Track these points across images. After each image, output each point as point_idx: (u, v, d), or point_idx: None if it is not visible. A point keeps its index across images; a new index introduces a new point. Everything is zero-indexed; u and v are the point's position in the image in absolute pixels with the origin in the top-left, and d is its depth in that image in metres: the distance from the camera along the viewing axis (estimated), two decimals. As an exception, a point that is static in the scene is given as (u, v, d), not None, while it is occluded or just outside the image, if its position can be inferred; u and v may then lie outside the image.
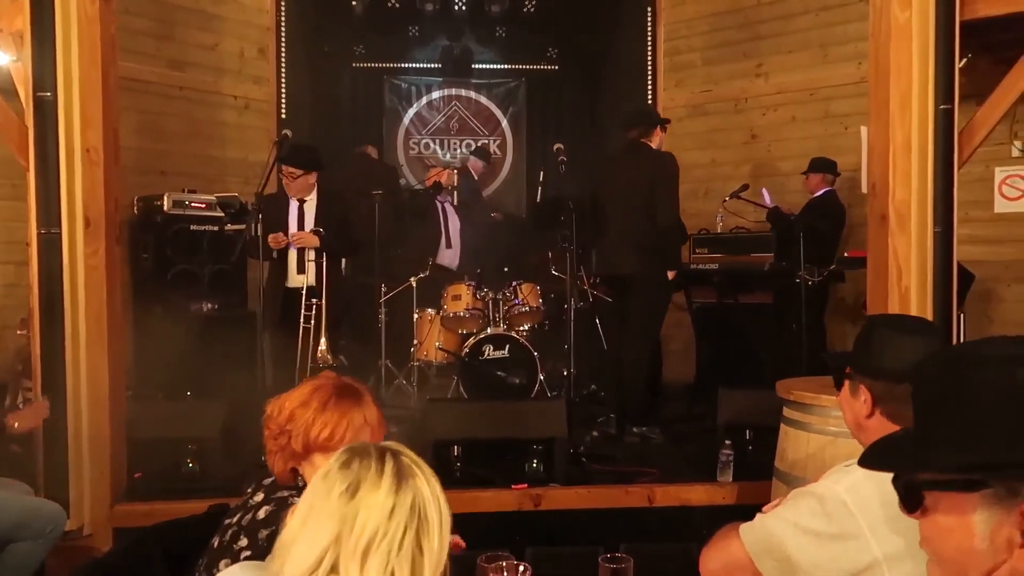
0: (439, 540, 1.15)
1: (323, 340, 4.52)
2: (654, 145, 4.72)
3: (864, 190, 3.79)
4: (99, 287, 3.48)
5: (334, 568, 1.09)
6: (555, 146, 4.87)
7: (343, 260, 5.15)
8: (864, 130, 3.80)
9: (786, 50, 6.42)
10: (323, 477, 1.19)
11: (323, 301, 4.52)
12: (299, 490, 1.80)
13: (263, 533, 1.73)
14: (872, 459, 1.02)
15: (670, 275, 4.71)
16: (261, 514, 1.79)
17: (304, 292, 4.54)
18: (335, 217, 4.73)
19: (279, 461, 1.82)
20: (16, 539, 2.91)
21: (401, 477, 1.17)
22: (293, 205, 4.72)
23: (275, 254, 4.64)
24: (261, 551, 1.68)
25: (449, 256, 6.27)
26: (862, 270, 3.98)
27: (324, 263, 4.55)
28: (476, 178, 6.99)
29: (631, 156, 4.71)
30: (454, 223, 6.33)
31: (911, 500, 0.99)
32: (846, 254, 5.32)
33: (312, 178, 4.67)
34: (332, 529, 1.12)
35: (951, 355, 0.99)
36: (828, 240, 5.48)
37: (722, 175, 6.62)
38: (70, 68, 3.35)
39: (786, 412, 3.21)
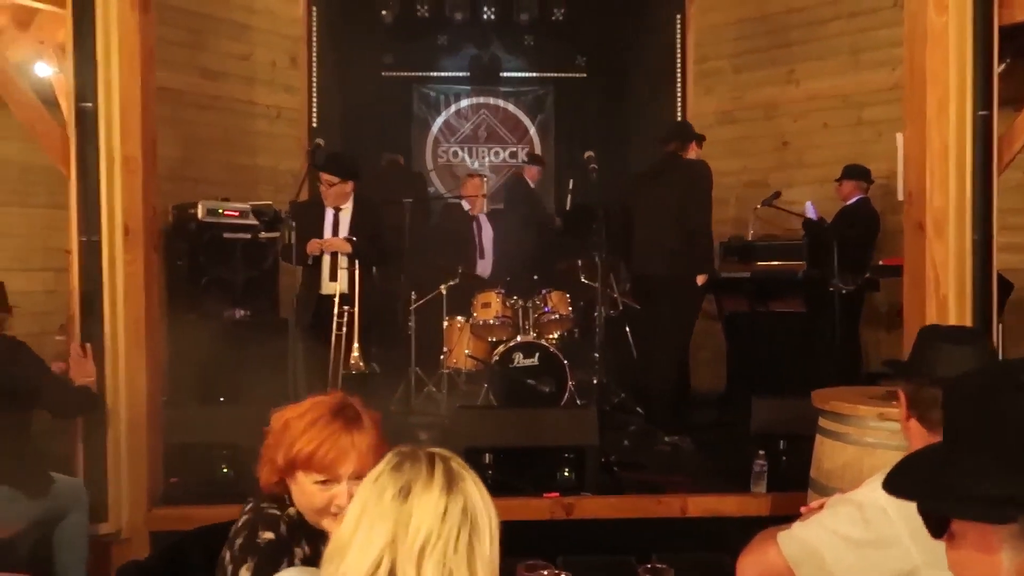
0: (490, 545, 1.15)
1: (355, 347, 4.56)
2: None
3: (900, 197, 3.76)
4: (137, 293, 3.55)
5: (392, 571, 1.10)
6: (586, 154, 4.89)
7: (374, 268, 5.19)
8: (900, 136, 3.77)
9: (817, 56, 6.37)
10: (374, 480, 1.20)
11: (355, 308, 4.55)
12: (279, 504, 1.73)
13: (237, 542, 1.67)
14: (895, 483, 0.98)
15: (700, 280, 4.74)
16: (240, 523, 1.74)
17: (337, 299, 4.58)
18: (369, 225, 4.78)
19: (266, 472, 1.74)
20: (63, 516, 3.04)
21: (452, 480, 1.17)
22: (329, 214, 4.78)
23: (310, 260, 4.70)
24: (237, 561, 1.63)
25: (482, 266, 6.30)
26: (897, 279, 3.94)
27: (356, 271, 4.60)
28: (533, 186, 6.98)
29: (665, 168, 4.84)
30: (487, 233, 6.34)
31: (936, 526, 0.96)
32: (881, 262, 5.27)
33: (349, 187, 4.73)
34: (387, 531, 1.12)
35: (987, 378, 0.95)
36: (862, 248, 5.44)
37: (752, 183, 6.58)
38: (110, 79, 3.42)
39: (822, 422, 3.19)
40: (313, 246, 4.64)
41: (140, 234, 3.52)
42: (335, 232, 4.76)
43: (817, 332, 5.26)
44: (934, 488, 0.94)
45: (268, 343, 5.24)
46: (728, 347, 5.84)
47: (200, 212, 5.49)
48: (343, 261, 4.64)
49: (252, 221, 5.58)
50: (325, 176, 4.68)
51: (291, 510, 1.73)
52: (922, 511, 0.98)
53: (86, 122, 3.42)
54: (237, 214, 5.63)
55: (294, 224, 4.35)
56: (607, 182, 5.48)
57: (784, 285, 5.48)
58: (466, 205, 6.36)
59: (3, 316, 3.33)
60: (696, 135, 5.00)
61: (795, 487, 3.40)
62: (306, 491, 1.68)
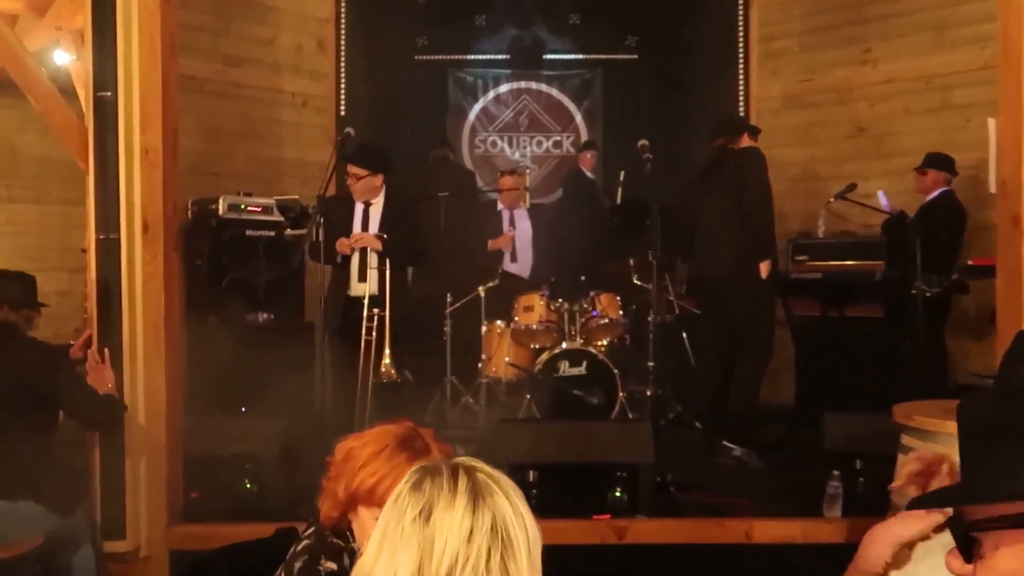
0: (528, 562, 1.13)
1: (386, 354, 4.60)
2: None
3: (992, 189, 3.69)
4: (156, 296, 3.63)
5: None
6: (639, 143, 4.88)
7: (408, 269, 5.23)
8: (992, 122, 3.69)
9: (897, 34, 6.28)
10: (394, 500, 1.19)
11: (386, 312, 4.59)
12: (342, 537, 1.76)
13: (296, 566, 1.71)
14: (922, 501, 1.01)
15: (763, 269, 4.74)
16: (299, 547, 1.77)
17: (366, 302, 4.62)
18: (401, 222, 4.82)
19: (326, 506, 1.76)
20: (77, 546, 3.11)
21: (477, 496, 1.15)
22: (359, 209, 4.83)
23: (339, 259, 4.75)
24: None
25: (515, 269, 6.33)
26: (988, 280, 3.87)
27: (387, 271, 4.63)
28: (590, 174, 6.98)
29: (716, 163, 4.91)
30: (523, 232, 6.36)
31: (965, 544, 0.97)
32: (970, 262, 5.17)
33: (378, 180, 4.77)
34: (411, 558, 1.12)
35: (1000, 389, 1.00)
36: (947, 246, 5.34)
37: (823, 174, 6.50)
38: (130, 67, 3.51)
39: (905, 440, 3.14)
40: (343, 245, 4.69)
41: (160, 231, 3.61)
42: (364, 228, 4.81)
43: (897, 339, 5.18)
44: (958, 495, 0.97)
45: (293, 349, 5.33)
46: (797, 356, 5.78)
47: (221, 208, 5.59)
48: (373, 260, 4.67)
49: (277, 217, 5.66)
50: (352, 168, 4.73)
51: (354, 545, 1.75)
52: (954, 531, 0.99)
53: (105, 112, 3.52)
54: (260, 210, 5.73)
55: (321, 220, 4.40)
56: (661, 174, 5.47)
57: (860, 287, 5.40)
58: (499, 204, 6.39)
59: (30, 314, 3.41)
60: (748, 126, 5.07)
61: (873, 512, 3.35)
62: (367, 528, 1.67)
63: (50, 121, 3.70)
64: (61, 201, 5.51)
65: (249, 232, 5.67)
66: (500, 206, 6.37)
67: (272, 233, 5.70)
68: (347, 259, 4.78)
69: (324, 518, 1.76)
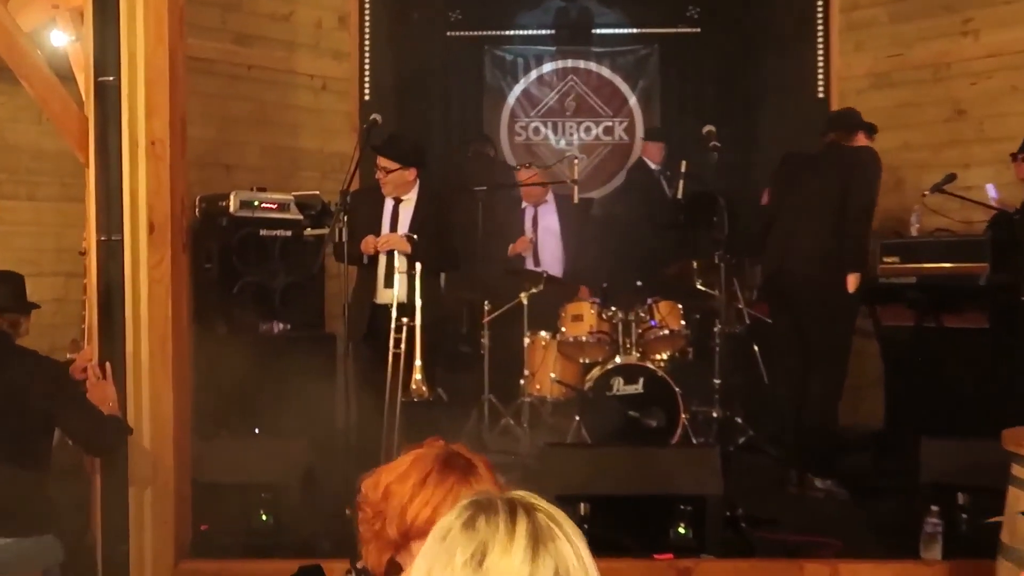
0: None
1: (417, 368, 4.60)
2: None
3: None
4: (163, 303, 3.68)
5: None
6: (704, 129, 4.86)
7: (441, 273, 5.25)
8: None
9: (1003, 0, 6.17)
10: (442, 538, 1.19)
11: (416, 321, 4.60)
12: None
13: None
14: None
15: (852, 281, 4.72)
16: None
17: (394, 310, 4.63)
18: (435, 221, 4.83)
19: (374, 552, 1.78)
20: None
21: (538, 540, 1.15)
22: (388, 205, 4.86)
23: (366, 259, 4.78)
24: None
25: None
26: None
27: (417, 275, 4.65)
28: (654, 167, 6.95)
29: (823, 157, 4.94)
30: (548, 228, 6.34)
31: None
32: (1090, 265, 5.05)
33: (410, 175, 4.80)
34: None
35: None
36: (1063, 246, 5.24)
37: (916, 162, 6.41)
38: (135, 48, 3.57)
39: (1016, 470, 3.09)
40: (368, 244, 4.72)
41: (167, 232, 3.66)
42: (394, 227, 4.84)
43: (1004, 353, 5.08)
44: None
45: (312, 363, 5.37)
46: (886, 373, 5.70)
47: (232, 204, 5.66)
48: (402, 263, 4.70)
49: (294, 215, 5.72)
50: (382, 161, 4.76)
51: None
52: None
53: (107, 99, 3.58)
54: (276, 207, 5.79)
55: (345, 218, 4.43)
56: (729, 164, 5.44)
57: (960, 293, 5.31)
58: (523, 201, 6.37)
59: (16, 319, 3.42)
60: (865, 124, 5.04)
61: (980, 553, 3.31)
62: None
63: (46, 109, 3.77)
64: (57, 198, 5.62)
65: (263, 232, 5.74)
66: (524, 203, 6.37)
67: (289, 233, 5.76)
68: (373, 262, 4.80)
69: (375, 566, 1.78)
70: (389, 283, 4.78)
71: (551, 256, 6.31)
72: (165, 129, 3.63)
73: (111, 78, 3.58)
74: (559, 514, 1.20)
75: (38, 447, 3.23)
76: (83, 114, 3.67)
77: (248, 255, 5.69)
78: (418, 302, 4.60)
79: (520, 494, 1.24)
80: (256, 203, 5.74)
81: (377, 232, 4.81)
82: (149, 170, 3.61)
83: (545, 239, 6.30)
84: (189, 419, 3.93)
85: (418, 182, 4.89)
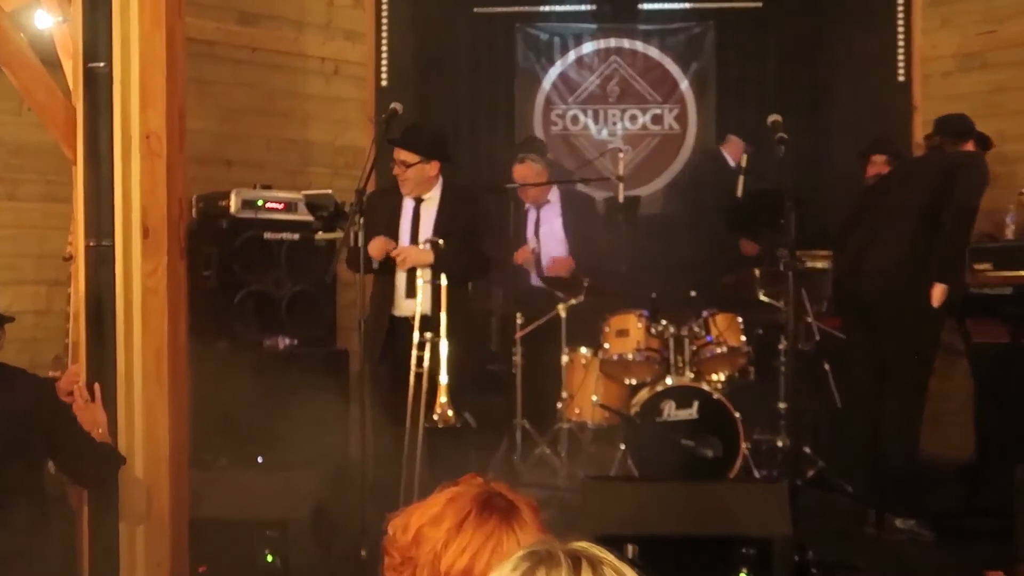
0: None
1: (442, 390, 4.60)
2: None
3: None
4: (158, 316, 3.70)
5: None
6: (769, 119, 4.82)
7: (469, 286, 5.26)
8: None
9: (1112, -32, 6.12)
10: None
11: (441, 337, 4.60)
12: None
13: None
14: None
15: (937, 294, 4.69)
16: None
17: (416, 323, 4.64)
18: (461, 223, 4.84)
19: None
20: None
21: None
22: (407, 205, 4.87)
23: (375, 265, 4.79)
24: None
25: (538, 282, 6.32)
26: None
27: (443, 284, 4.65)
28: (734, 164, 6.91)
29: (921, 161, 5.13)
30: (552, 233, 6.32)
31: None
32: None
33: (432, 169, 4.81)
34: None
35: None
36: None
37: (1011, 155, 6.36)
38: (129, 31, 3.59)
39: None
40: (377, 247, 4.71)
41: (163, 237, 3.68)
42: (415, 230, 4.85)
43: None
44: None
45: (324, 382, 5.41)
46: (977, 395, 5.65)
47: (233, 204, 5.71)
48: (424, 271, 4.72)
49: (303, 216, 5.76)
50: (400, 154, 4.77)
51: None
52: None
53: (97, 88, 3.60)
54: (283, 207, 5.83)
55: (362, 220, 4.45)
56: (797, 158, 5.42)
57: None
58: (528, 205, 6.37)
59: None
60: (977, 133, 5.08)
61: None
62: None
63: (28, 98, 3.81)
64: (40, 197, 5.67)
65: (268, 235, 5.78)
66: (526, 204, 6.36)
67: (297, 236, 5.80)
68: (390, 268, 4.82)
69: None
70: (411, 293, 4.79)
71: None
72: (162, 121, 3.66)
73: (102, 64, 3.60)
74: (627, 570, 1.22)
75: (30, 480, 3.25)
76: (70, 104, 3.70)
77: (251, 261, 5.74)
78: (443, 315, 4.60)
79: (583, 545, 1.25)
80: (260, 203, 5.78)
81: (395, 236, 4.82)
82: (144, 167, 3.64)
83: (549, 246, 6.28)
84: (187, 447, 3.95)
85: (441, 179, 4.90)
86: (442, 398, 4.52)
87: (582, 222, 6.33)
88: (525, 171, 6.28)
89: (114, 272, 3.64)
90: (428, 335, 4.59)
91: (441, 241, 4.73)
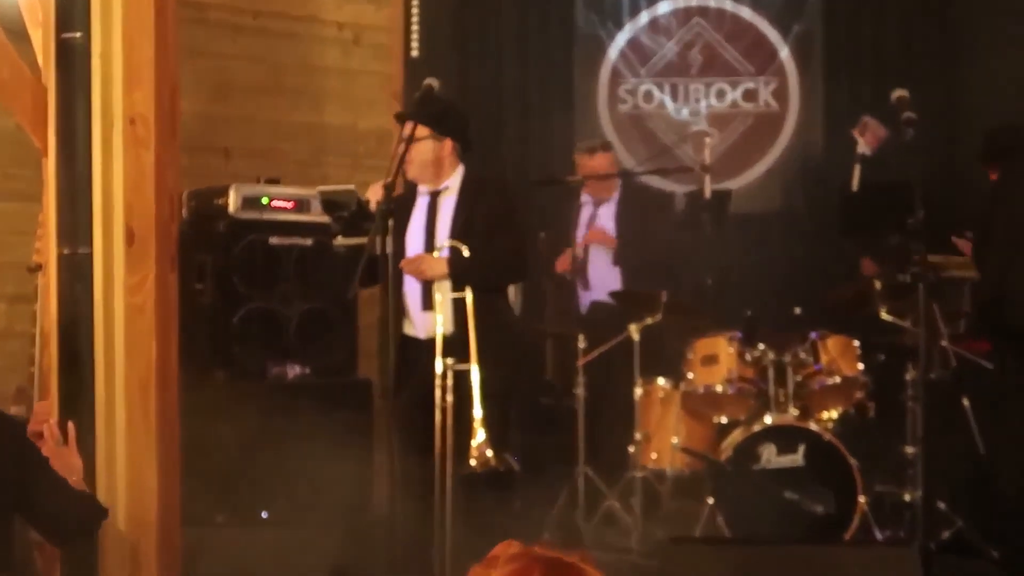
0: None
1: (476, 427, 4.58)
2: None
3: None
4: (145, 340, 3.74)
5: None
6: (895, 95, 4.78)
7: (513, 288, 5.25)
8: None
9: None
10: None
11: (472, 362, 4.56)
12: None
13: None
14: None
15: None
16: None
17: (438, 345, 4.59)
18: (485, 222, 4.80)
19: None
20: None
21: None
22: (421, 201, 4.85)
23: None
24: None
25: (586, 298, 6.35)
26: None
27: (472, 296, 4.63)
28: (870, 152, 6.83)
29: None
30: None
31: None
32: None
33: (444, 148, 4.77)
34: None
35: None
36: None
37: None
38: (110, -7, 3.65)
39: None
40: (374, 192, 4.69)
41: (151, 243, 3.72)
42: (429, 230, 4.83)
43: None
44: None
45: (343, 421, 5.42)
46: None
47: (232, 203, 5.74)
48: (443, 283, 4.71)
49: (318, 217, 5.77)
50: (405, 129, 4.69)
51: None
52: None
53: (73, 64, 3.65)
54: (293, 205, 5.86)
55: (392, 222, 4.44)
56: (929, 143, 5.37)
57: None
58: (585, 197, 6.40)
59: None
60: None
61: None
62: None
63: (-9, 78, 3.87)
64: (3, 195, 5.75)
65: (275, 240, 5.80)
66: (584, 196, 6.40)
67: (310, 242, 5.82)
68: (396, 275, 4.74)
69: None
70: (428, 303, 4.76)
71: (602, 277, 6.30)
72: (150, 103, 3.69)
73: (78, 35, 3.64)
74: None
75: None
76: (40, 83, 3.75)
77: (254, 272, 5.75)
78: (472, 334, 4.55)
79: None
80: (265, 200, 5.81)
81: (404, 238, 4.79)
82: (128, 158, 3.68)
83: (598, 254, 6.33)
84: (178, 498, 3.98)
85: (462, 168, 4.87)
86: (477, 437, 4.50)
87: (644, 225, 6.33)
88: (597, 165, 6.34)
89: (92, 286, 3.68)
90: (451, 361, 4.55)
91: (465, 249, 4.66)
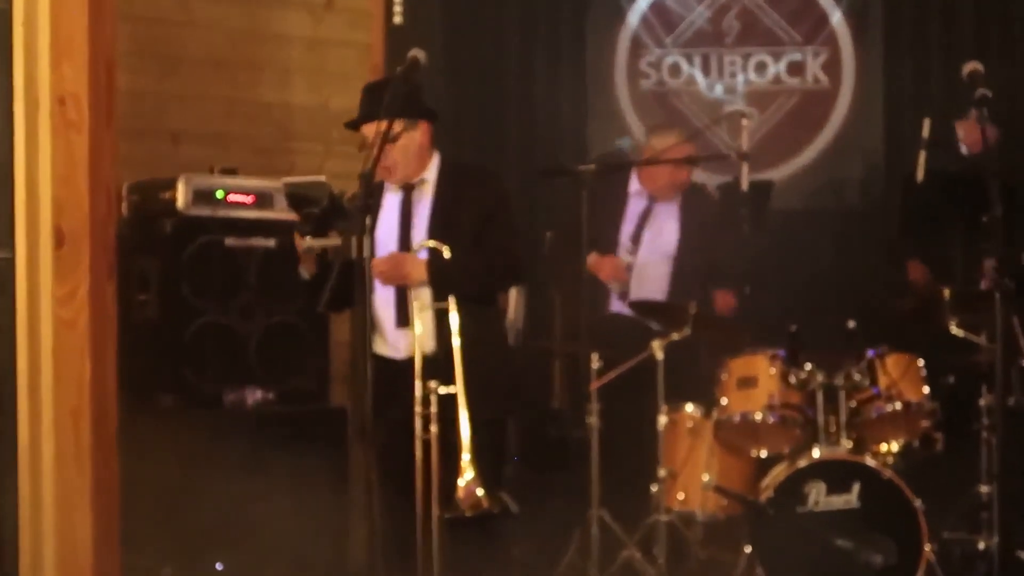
0: None
1: (465, 464, 4.58)
2: None
3: None
4: (77, 361, 3.75)
5: None
6: (966, 69, 4.80)
7: (513, 299, 5.25)
8: None
9: None
10: None
11: (458, 385, 4.57)
12: None
13: None
14: None
15: None
16: None
17: (417, 367, 4.60)
18: (470, 213, 4.79)
19: None
20: None
21: None
22: (391, 200, 4.83)
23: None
24: None
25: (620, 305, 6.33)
26: None
27: (452, 309, 4.63)
28: (969, 152, 6.78)
29: None
30: (663, 245, 6.36)
31: None
32: None
33: (422, 135, 4.76)
34: None
35: None
36: None
37: None
38: (35, -50, 3.67)
39: None
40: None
41: (86, 247, 3.72)
42: (404, 230, 4.80)
43: None
44: None
45: (312, 455, 5.42)
46: None
47: (182, 197, 5.74)
48: (420, 292, 4.70)
49: (283, 214, 5.76)
50: (371, 130, 4.69)
51: None
52: None
53: (-9, 32, 3.67)
54: (253, 200, 5.86)
55: (370, 219, 4.43)
56: (1005, 124, 5.38)
57: None
58: (635, 185, 6.41)
59: None
60: None
61: None
62: None
63: None
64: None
65: (232, 241, 5.80)
66: (635, 187, 6.41)
67: (273, 243, 5.82)
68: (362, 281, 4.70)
69: None
70: (403, 319, 4.75)
71: (651, 286, 6.30)
72: (83, 79, 3.71)
73: (0, -1, 3.68)
74: None
75: None
76: (-48, 57, 3.78)
77: (207, 280, 5.76)
78: (457, 353, 4.56)
79: None
80: (220, 194, 5.82)
81: (373, 240, 4.76)
82: (57, 145, 3.69)
83: (652, 261, 6.30)
84: (117, 548, 3.99)
85: (437, 155, 4.86)
86: (465, 474, 4.50)
87: (703, 227, 6.36)
88: (662, 143, 6.34)
89: (13, 297, 3.69)
90: (432, 383, 4.55)
91: (446, 250, 4.66)
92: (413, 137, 4.71)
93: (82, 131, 3.73)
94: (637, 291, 6.29)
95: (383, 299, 4.76)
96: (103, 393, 3.82)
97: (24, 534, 3.68)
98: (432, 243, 4.66)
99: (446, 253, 4.60)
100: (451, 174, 4.82)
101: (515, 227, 5.02)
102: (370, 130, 4.63)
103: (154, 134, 6.19)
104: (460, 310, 4.57)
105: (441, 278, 4.62)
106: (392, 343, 4.78)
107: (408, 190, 4.80)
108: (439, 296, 4.61)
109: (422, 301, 4.65)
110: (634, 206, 6.37)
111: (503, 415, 4.92)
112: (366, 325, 4.26)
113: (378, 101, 4.57)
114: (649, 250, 6.30)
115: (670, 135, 6.43)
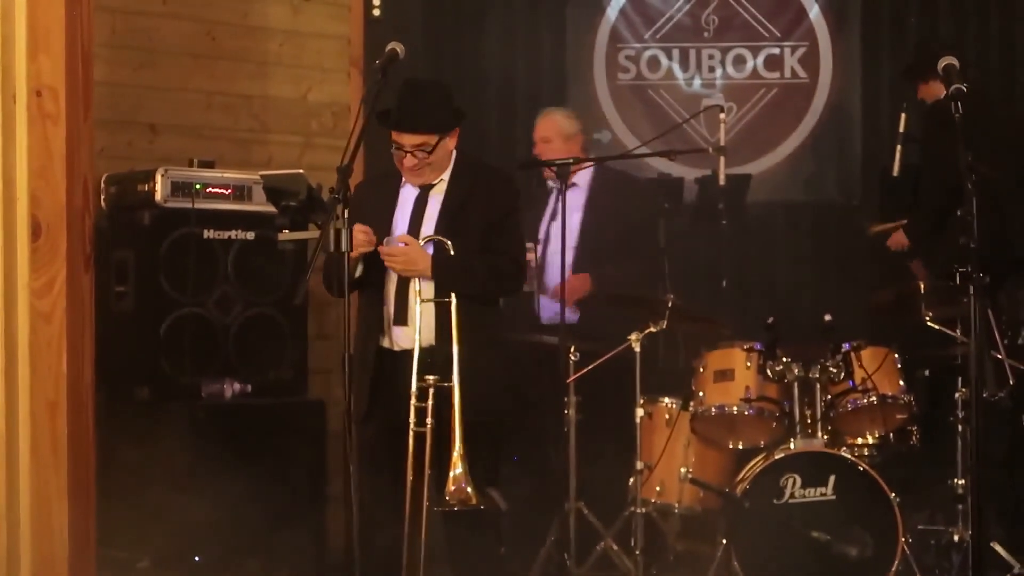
0: None
1: (456, 458, 4.59)
2: None
3: None
4: (54, 352, 3.74)
5: None
6: (941, 63, 4.80)
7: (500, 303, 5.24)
8: None
9: None
10: None
11: (454, 380, 4.57)
12: None
13: None
14: None
15: None
16: None
17: (415, 361, 4.60)
18: (483, 215, 4.79)
19: None
20: None
21: None
22: (406, 194, 4.83)
23: (358, 271, 4.70)
24: None
25: (550, 308, 6.30)
26: None
27: (455, 305, 4.63)
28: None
29: None
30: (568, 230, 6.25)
31: None
32: None
33: (451, 141, 4.78)
34: None
35: None
36: None
37: None
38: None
39: None
40: (359, 238, 4.65)
41: (61, 237, 3.71)
42: (414, 225, 4.80)
43: None
44: None
45: (289, 447, 5.40)
46: None
47: (159, 190, 5.72)
48: (419, 284, 4.68)
49: (261, 207, 5.74)
50: (409, 139, 4.70)
51: None
52: None
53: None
54: (230, 192, 5.84)
55: (347, 212, 4.42)
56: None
57: None
58: (551, 183, 6.34)
59: None
60: None
61: None
62: None
63: None
64: None
65: (210, 234, 5.79)
66: (549, 183, 6.40)
67: (251, 236, 5.81)
68: (377, 280, 4.75)
69: None
70: (402, 318, 4.73)
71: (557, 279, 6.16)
72: (60, 71, 3.69)
73: (-26, -10, 3.66)
74: None
75: None
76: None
77: (185, 272, 5.74)
78: (455, 347, 4.56)
79: None
80: (198, 187, 5.79)
81: (384, 232, 4.77)
82: (33, 136, 3.68)
83: (556, 249, 6.11)
84: (93, 540, 3.98)
85: (454, 152, 4.87)
86: (456, 469, 4.50)
87: (616, 215, 6.31)
88: (548, 128, 6.36)
89: (-10, 289, 3.68)
90: (431, 379, 4.55)
91: (450, 244, 4.66)
92: (446, 145, 4.73)
93: (59, 123, 3.72)
94: (547, 281, 6.34)
95: (390, 292, 4.76)
96: (80, 385, 3.81)
97: (0, 528, 3.67)
98: (438, 237, 4.67)
99: (451, 249, 4.62)
100: (466, 174, 4.81)
101: (522, 235, 5.04)
102: (409, 137, 4.64)
103: (132, 126, 6.16)
104: (461, 308, 4.57)
105: (444, 273, 4.61)
106: (395, 337, 4.77)
107: (425, 188, 4.80)
108: (441, 292, 4.61)
109: (423, 295, 4.64)
110: (551, 196, 6.38)
111: (501, 415, 4.91)
112: (347, 317, 4.28)
113: (424, 112, 4.66)
114: (555, 240, 6.13)
115: (544, 119, 6.48)
